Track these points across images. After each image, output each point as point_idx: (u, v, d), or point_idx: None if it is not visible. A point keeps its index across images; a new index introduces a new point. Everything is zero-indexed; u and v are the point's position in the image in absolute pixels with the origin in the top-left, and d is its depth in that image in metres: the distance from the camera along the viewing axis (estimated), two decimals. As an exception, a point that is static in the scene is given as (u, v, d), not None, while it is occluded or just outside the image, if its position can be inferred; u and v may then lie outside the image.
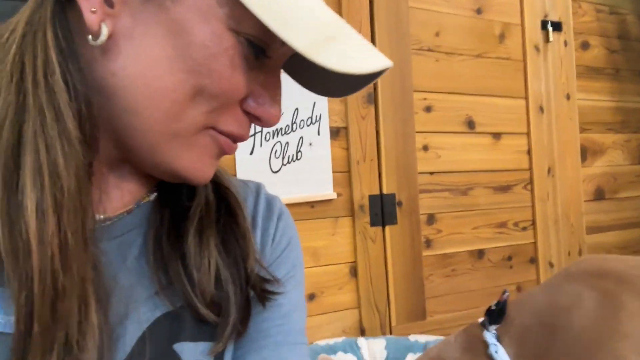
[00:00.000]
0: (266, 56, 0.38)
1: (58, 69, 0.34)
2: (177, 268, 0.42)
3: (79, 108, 0.35)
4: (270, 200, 0.53)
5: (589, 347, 0.64)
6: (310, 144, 1.64)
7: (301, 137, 1.63)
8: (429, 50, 1.90)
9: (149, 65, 0.35)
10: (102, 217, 0.42)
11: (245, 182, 0.54)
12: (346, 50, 0.35)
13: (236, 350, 0.46)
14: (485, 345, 0.76)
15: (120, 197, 0.44)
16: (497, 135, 2.03)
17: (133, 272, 0.42)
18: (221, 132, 0.40)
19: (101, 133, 0.38)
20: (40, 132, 0.33)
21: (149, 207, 0.45)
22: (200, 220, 0.43)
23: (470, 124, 1.97)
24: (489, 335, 0.77)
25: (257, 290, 0.45)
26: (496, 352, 0.74)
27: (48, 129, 0.33)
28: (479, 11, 2.02)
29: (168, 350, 0.40)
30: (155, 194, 0.46)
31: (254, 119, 0.41)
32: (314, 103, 1.64)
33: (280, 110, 0.41)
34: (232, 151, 0.42)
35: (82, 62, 0.36)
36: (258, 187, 0.54)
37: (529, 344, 0.73)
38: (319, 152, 1.66)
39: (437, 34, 1.92)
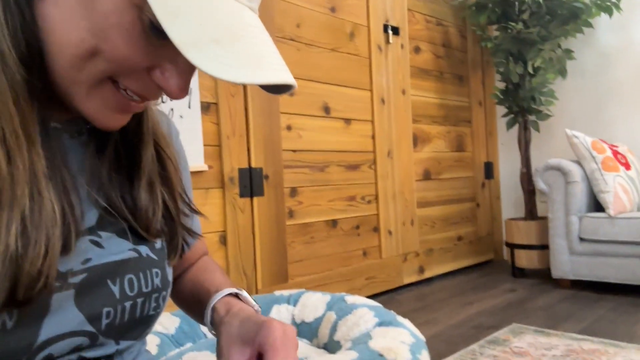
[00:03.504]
0: (166, 38, 0.37)
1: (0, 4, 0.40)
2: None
3: (17, 37, 0.40)
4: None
5: None
6: (181, 117, 1.71)
7: (172, 109, 1.69)
8: (291, 39, 2.10)
9: (63, 17, 0.40)
10: (57, 125, 0.48)
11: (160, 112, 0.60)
12: (228, 57, 0.36)
13: None
14: None
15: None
16: (348, 121, 2.32)
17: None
18: (125, 89, 0.42)
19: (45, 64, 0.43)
20: None
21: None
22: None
23: (327, 109, 2.22)
24: None
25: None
26: None
27: None
28: (333, 9, 2.28)
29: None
30: None
31: (160, 88, 0.42)
32: (187, 79, 1.71)
33: (185, 86, 0.42)
34: (136, 108, 0.44)
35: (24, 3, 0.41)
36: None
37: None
38: (190, 125, 1.74)
39: (298, 26, 2.13)
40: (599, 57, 2.84)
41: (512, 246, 2.69)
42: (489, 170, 3.21)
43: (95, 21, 0.38)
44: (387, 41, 2.53)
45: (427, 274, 2.69)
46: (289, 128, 2.07)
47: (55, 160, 0.43)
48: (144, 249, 0.49)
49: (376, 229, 2.42)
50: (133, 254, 0.48)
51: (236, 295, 0.56)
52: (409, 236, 2.58)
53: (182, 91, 0.42)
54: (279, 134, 2.02)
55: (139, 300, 0.47)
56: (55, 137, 0.46)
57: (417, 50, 2.75)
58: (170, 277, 0.52)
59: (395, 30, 2.57)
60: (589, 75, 2.88)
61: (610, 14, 2.56)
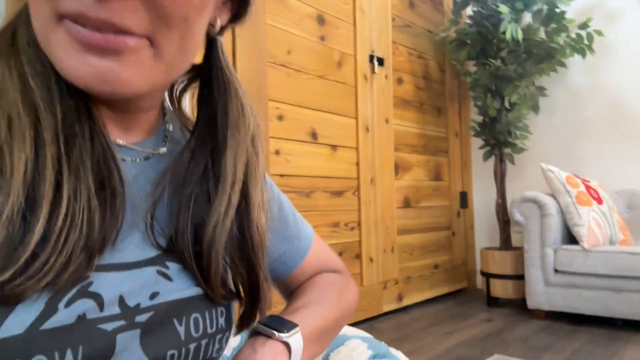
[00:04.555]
0: None
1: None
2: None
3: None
4: None
5: None
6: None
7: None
8: (282, 65, 2.11)
9: None
10: (122, 142, 0.47)
11: None
12: None
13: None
14: None
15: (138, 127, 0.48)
16: (334, 147, 2.33)
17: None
18: (70, 19, 0.36)
19: None
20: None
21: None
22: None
23: (314, 135, 2.23)
24: None
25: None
26: None
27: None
28: (322, 38, 2.32)
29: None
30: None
31: None
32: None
33: None
34: (89, 38, 0.36)
35: None
36: None
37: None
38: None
39: (288, 52, 2.15)
40: (571, 95, 2.98)
41: (488, 275, 2.74)
42: (464, 199, 3.28)
43: None
44: (373, 71, 2.58)
45: (405, 302, 2.70)
46: (277, 153, 2.06)
47: (112, 180, 0.41)
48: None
49: (358, 256, 2.43)
50: (199, 291, 0.45)
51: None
52: (389, 264, 2.59)
53: None
54: (267, 158, 2.02)
55: (203, 342, 0.45)
56: (121, 158, 0.44)
57: (399, 81, 2.81)
58: (232, 316, 0.50)
59: (381, 61, 2.63)
60: (561, 112, 3.01)
61: (584, 55, 2.70)
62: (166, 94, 0.54)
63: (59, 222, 0.36)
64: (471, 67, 3.09)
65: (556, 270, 2.38)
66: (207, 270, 0.45)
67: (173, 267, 0.44)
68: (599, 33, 2.68)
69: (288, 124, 2.12)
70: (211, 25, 0.46)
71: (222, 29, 0.49)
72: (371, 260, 2.48)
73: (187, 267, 0.45)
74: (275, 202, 0.60)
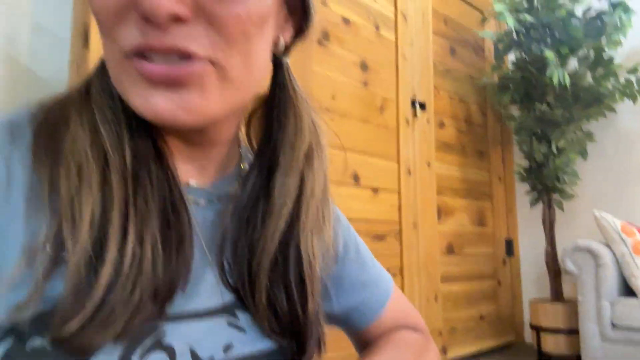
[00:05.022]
0: None
1: None
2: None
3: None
4: None
5: None
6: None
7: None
8: (327, 110, 2.13)
9: None
10: (194, 184, 0.46)
11: None
12: None
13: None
14: None
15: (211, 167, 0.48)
16: (375, 190, 2.31)
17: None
18: (137, 55, 0.37)
19: None
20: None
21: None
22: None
23: (356, 178, 2.22)
24: None
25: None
26: None
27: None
28: (365, 83, 2.34)
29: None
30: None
31: (145, 18, 0.35)
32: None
33: None
34: (153, 71, 0.36)
35: None
36: None
37: None
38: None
39: (333, 97, 2.17)
40: (620, 139, 2.88)
41: (538, 329, 2.59)
42: (510, 247, 3.16)
43: None
44: (414, 115, 2.58)
45: (450, 355, 2.57)
46: (320, 196, 2.05)
47: (180, 225, 0.39)
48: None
49: (400, 304, 2.34)
50: (272, 345, 0.43)
51: None
52: (433, 313, 2.49)
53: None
54: (310, 201, 2.00)
55: None
56: (190, 200, 0.43)
57: (441, 124, 2.79)
58: None
59: (422, 105, 2.62)
60: (610, 157, 2.90)
61: (635, 100, 2.62)
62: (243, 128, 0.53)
63: (125, 269, 0.35)
64: (514, 110, 3.05)
65: (614, 325, 2.22)
66: (259, 302, 0.42)
67: (243, 317, 0.42)
68: (650, 77, 2.60)
69: (331, 167, 2.09)
70: (275, 44, 0.46)
71: (287, 48, 0.48)
72: (414, 308, 2.39)
73: (257, 312, 0.43)
74: (353, 244, 0.57)
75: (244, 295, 0.43)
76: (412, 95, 2.59)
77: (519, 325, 3.13)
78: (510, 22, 2.59)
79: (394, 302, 0.59)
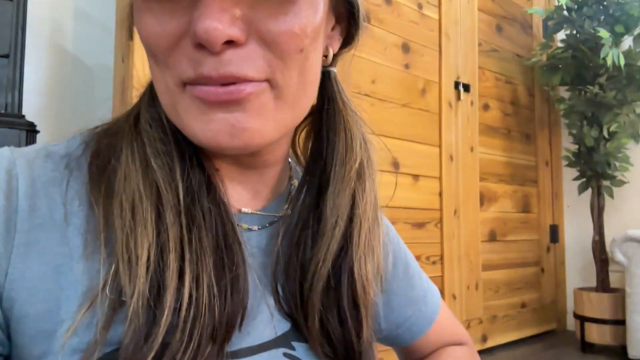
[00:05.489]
0: None
1: None
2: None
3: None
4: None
5: None
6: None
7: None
8: (366, 95, 2.09)
9: None
10: (248, 210, 0.45)
11: None
12: None
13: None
14: None
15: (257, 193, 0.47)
16: (416, 177, 2.27)
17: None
18: (189, 83, 0.36)
19: None
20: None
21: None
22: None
23: (396, 165, 2.18)
24: None
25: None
26: None
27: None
28: (407, 66, 2.28)
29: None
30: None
31: (199, 45, 0.34)
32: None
33: (212, 21, 0.33)
34: (209, 93, 0.35)
35: None
36: None
37: None
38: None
39: (373, 82, 2.12)
40: (679, 123, 2.71)
41: (582, 319, 2.52)
42: (555, 233, 3.06)
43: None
44: (458, 98, 2.50)
45: (490, 343, 2.54)
46: (359, 183, 2.03)
47: (234, 261, 0.39)
48: None
49: (440, 293, 2.32)
50: None
51: None
52: (473, 301, 2.46)
53: (207, 28, 0.32)
54: (349, 189, 1.99)
55: None
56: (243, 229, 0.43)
57: (485, 107, 2.70)
58: None
59: (466, 87, 2.53)
60: (667, 141, 2.74)
61: (695, 81, 2.45)
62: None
63: (183, 312, 0.34)
64: (563, 92, 2.91)
65: (665, 319, 2.13)
66: (312, 327, 0.41)
67: (299, 347, 0.41)
68: None
69: (371, 154, 2.08)
70: (324, 56, 0.44)
71: (334, 58, 0.46)
72: (454, 297, 2.36)
73: (310, 338, 0.42)
74: (402, 260, 0.56)
75: (297, 321, 0.42)
76: (456, 76, 2.50)
77: (561, 314, 3.05)
78: (562, -2, 2.45)
79: (441, 318, 0.58)
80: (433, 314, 0.57)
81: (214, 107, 0.36)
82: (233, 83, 0.35)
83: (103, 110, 2.15)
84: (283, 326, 0.42)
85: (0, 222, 0.36)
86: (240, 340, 0.39)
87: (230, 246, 0.39)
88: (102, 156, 0.41)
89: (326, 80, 0.47)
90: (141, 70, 1.58)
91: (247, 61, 0.35)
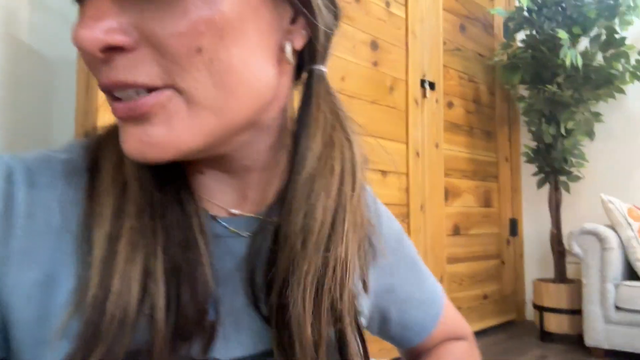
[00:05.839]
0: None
1: None
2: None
3: None
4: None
5: None
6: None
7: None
8: (337, 92, 2.10)
9: None
10: (236, 212, 0.45)
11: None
12: None
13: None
14: None
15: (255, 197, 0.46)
16: (384, 173, 2.30)
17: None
18: (110, 96, 0.36)
19: None
20: None
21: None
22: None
23: (364, 161, 2.20)
24: None
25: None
26: None
27: None
28: (375, 64, 2.30)
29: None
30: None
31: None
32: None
33: (84, 29, 0.32)
34: (117, 109, 0.35)
35: None
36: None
37: None
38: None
39: (342, 79, 2.14)
40: (628, 122, 2.86)
41: (541, 309, 2.63)
42: (514, 227, 3.18)
43: None
44: (424, 95, 2.54)
45: (454, 334, 2.61)
46: (330, 179, 2.04)
47: (195, 260, 0.38)
48: None
49: (407, 285, 2.37)
50: None
51: None
52: (438, 293, 2.51)
53: (82, 37, 0.31)
54: (320, 186, 2.00)
55: None
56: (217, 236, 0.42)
57: (450, 105, 2.76)
58: None
59: (432, 85, 2.58)
60: (618, 139, 2.89)
61: (646, 82, 2.59)
62: None
63: (134, 300, 0.35)
64: (523, 91, 3.01)
65: (617, 307, 2.25)
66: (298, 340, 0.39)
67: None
68: (662, 59, 2.56)
69: (340, 150, 2.09)
70: (281, 50, 0.39)
71: (313, 53, 0.41)
72: (420, 289, 2.41)
73: (300, 348, 0.39)
74: (409, 262, 0.57)
75: (282, 334, 0.40)
76: (422, 74, 2.55)
77: (520, 304, 3.18)
78: (525, 0, 2.54)
79: (445, 316, 0.59)
80: (438, 313, 0.58)
81: (125, 121, 0.35)
82: (135, 93, 0.34)
83: (63, 105, 2.07)
84: (270, 337, 0.40)
85: None
86: (225, 351, 0.39)
87: (194, 240, 0.38)
88: (96, 159, 0.40)
89: (309, 80, 0.43)
90: (108, 64, 1.53)
91: (137, 67, 0.33)
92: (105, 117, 1.54)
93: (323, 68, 0.44)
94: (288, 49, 0.39)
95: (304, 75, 0.44)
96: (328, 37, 0.42)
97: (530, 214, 3.22)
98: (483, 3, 3.06)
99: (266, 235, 0.42)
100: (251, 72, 0.36)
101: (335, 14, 0.42)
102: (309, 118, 0.42)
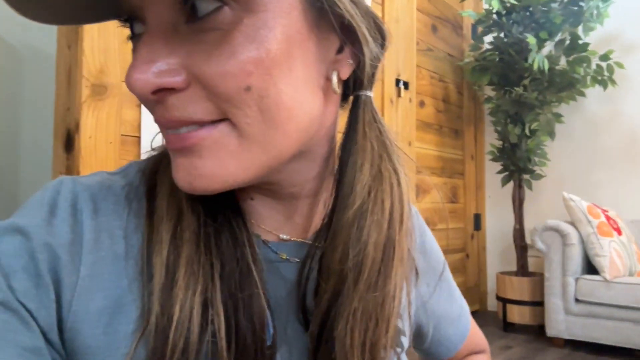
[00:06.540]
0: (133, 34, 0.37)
1: None
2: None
3: None
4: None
5: None
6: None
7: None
8: (318, 90, 2.11)
9: None
10: (284, 237, 0.45)
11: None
12: None
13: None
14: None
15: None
16: (361, 171, 2.33)
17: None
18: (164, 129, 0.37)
19: None
20: None
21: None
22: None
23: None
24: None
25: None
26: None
27: None
28: (353, 62, 2.32)
29: None
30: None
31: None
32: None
33: (136, 73, 0.33)
34: (169, 140, 0.36)
35: None
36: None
37: None
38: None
39: (323, 77, 2.15)
40: (588, 123, 3.03)
41: (504, 300, 2.76)
42: (478, 222, 3.31)
43: None
44: (398, 95, 2.59)
45: (424, 326, 2.71)
46: (311, 178, 2.06)
47: (250, 286, 0.39)
48: None
49: (382, 281, 2.43)
50: None
51: None
52: (410, 288, 2.59)
53: (133, 80, 0.33)
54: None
55: None
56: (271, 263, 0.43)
57: (421, 104, 2.83)
58: None
59: (406, 85, 2.64)
60: (578, 140, 3.05)
61: (605, 87, 2.74)
62: None
63: (195, 328, 0.36)
64: (489, 92, 3.12)
65: (577, 300, 2.40)
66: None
67: None
68: (620, 65, 2.71)
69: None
70: (327, 80, 0.39)
71: (360, 82, 0.42)
72: (394, 284, 2.48)
73: None
74: (444, 278, 0.59)
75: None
76: (397, 74, 2.60)
77: (483, 295, 3.32)
78: (495, 3, 2.62)
79: (469, 330, 0.62)
80: (466, 330, 0.61)
81: (176, 153, 0.36)
82: (185, 126, 0.35)
83: (30, 93, 1.98)
84: None
85: (66, 254, 0.36)
86: None
87: (248, 268, 0.39)
88: (153, 184, 0.41)
89: (354, 106, 0.43)
90: (91, 58, 1.48)
91: (189, 105, 0.34)
92: (89, 113, 1.49)
93: (369, 93, 0.44)
94: (334, 79, 0.39)
95: (350, 98, 0.44)
96: (374, 65, 0.42)
97: (493, 210, 3.36)
98: (454, 4, 3.14)
99: (315, 262, 0.43)
100: (299, 106, 0.36)
101: (383, 44, 0.42)
102: (356, 145, 0.42)
